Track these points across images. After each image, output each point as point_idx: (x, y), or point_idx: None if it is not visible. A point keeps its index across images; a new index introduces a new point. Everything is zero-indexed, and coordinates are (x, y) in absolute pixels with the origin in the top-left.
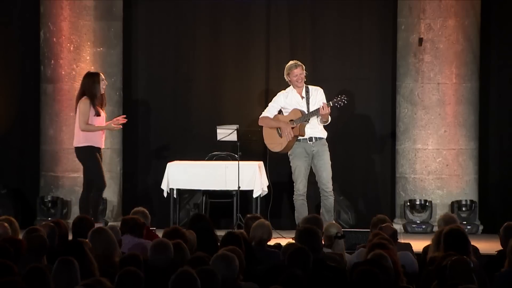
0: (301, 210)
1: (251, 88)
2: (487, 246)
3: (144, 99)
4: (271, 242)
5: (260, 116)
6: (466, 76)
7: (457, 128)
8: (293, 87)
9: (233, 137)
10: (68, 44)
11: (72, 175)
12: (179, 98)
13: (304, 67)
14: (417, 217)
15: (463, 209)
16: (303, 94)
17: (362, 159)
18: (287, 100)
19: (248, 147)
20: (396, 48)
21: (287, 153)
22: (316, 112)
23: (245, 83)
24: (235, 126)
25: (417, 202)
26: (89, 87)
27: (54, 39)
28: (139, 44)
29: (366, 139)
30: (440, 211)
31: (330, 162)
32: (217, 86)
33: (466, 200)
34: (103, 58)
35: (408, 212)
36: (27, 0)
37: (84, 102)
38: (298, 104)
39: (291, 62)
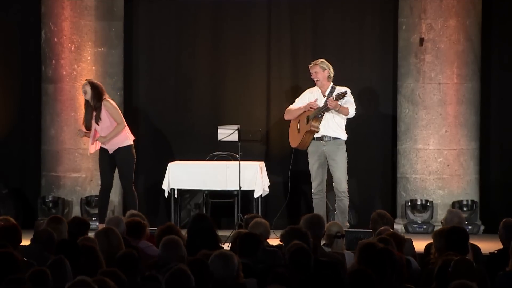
0: (316, 208)
1: (252, 88)
2: (489, 246)
3: (145, 99)
4: (274, 243)
5: (286, 110)
6: (467, 76)
7: (458, 128)
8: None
9: (234, 137)
10: (69, 44)
11: (73, 175)
12: (180, 98)
13: (323, 66)
14: (418, 217)
15: (464, 209)
16: (326, 93)
17: (363, 159)
18: (311, 96)
19: (249, 147)
20: (397, 48)
21: (306, 150)
22: (325, 106)
23: (246, 83)
24: (236, 126)
25: (418, 202)
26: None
27: (55, 39)
28: (140, 44)
29: (367, 139)
30: (441, 211)
31: (345, 163)
32: (218, 86)
33: (467, 200)
34: (104, 58)
35: (409, 212)
36: (28, 0)
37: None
38: (319, 101)
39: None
